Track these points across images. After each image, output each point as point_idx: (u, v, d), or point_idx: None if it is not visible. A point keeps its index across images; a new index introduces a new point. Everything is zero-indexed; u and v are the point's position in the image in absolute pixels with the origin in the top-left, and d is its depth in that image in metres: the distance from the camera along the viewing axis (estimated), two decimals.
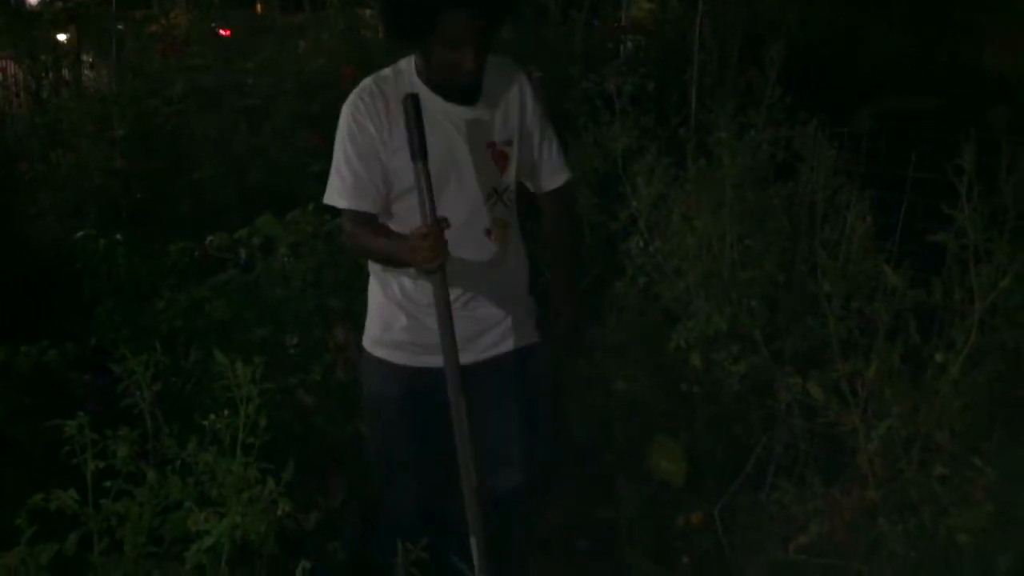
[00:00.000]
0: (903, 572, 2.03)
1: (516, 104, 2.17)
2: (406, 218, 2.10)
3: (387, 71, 2.14)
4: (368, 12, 6.43)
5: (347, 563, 2.38)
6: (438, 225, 1.95)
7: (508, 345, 2.25)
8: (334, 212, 3.22)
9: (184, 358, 2.54)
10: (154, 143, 4.31)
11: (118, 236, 2.97)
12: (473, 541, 2.03)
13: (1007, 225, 2.16)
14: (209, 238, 3.00)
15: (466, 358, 2.10)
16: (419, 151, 1.97)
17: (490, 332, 2.24)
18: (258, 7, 6.62)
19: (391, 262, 2.14)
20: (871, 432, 2.19)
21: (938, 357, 2.11)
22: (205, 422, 1.88)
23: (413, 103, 1.98)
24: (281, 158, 4.18)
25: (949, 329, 2.21)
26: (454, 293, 2.09)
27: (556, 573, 2.58)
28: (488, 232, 2.16)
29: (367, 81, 2.13)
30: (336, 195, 2.13)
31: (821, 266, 2.37)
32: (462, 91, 2.09)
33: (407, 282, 2.19)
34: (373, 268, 2.28)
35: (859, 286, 2.37)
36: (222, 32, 5.37)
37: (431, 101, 2.07)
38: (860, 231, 2.40)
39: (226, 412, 1.85)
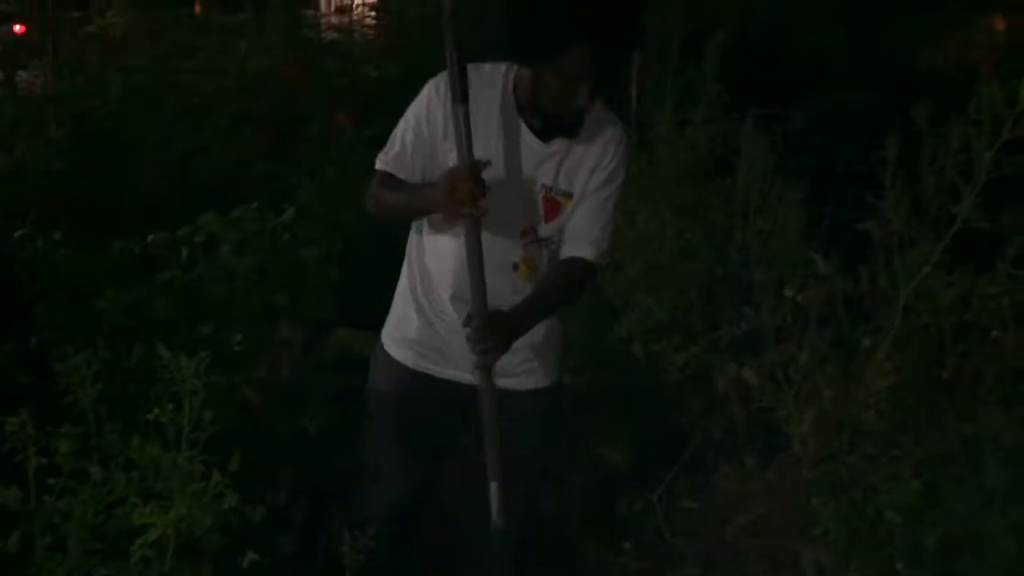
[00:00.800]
0: (836, 550, 2.10)
1: (593, 161, 1.99)
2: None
3: (488, 66, 1.99)
4: (310, 12, 6.43)
5: (294, 557, 2.38)
6: (476, 166, 1.84)
7: (520, 383, 2.09)
8: (279, 210, 3.27)
9: (127, 355, 2.52)
10: (92, 143, 4.27)
11: (57, 236, 2.95)
12: (492, 487, 1.99)
13: (929, 214, 2.25)
14: (151, 236, 2.98)
15: (461, 376, 2.04)
16: (460, 95, 1.85)
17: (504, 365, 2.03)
18: (197, 7, 6.56)
19: (420, 210, 2.01)
20: (803, 415, 2.27)
21: (866, 342, 2.19)
22: (149, 416, 1.88)
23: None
24: (224, 157, 4.16)
25: (876, 315, 2.29)
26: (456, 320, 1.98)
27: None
28: (516, 267, 2.02)
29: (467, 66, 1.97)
30: (380, 159, 2.04)
31: (755, 257, 2.45)
32: (555, 124, 1.94)
33: (428, 282, 2.09)
34: (408, 256, 2.15)
35: (791, 275, 2.44)
36: (15, 28, 5.13)
37: (511, 117, 1.95)
38: (791, 222, 2.47)
39: (170, 407, 1.85)
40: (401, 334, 2.14)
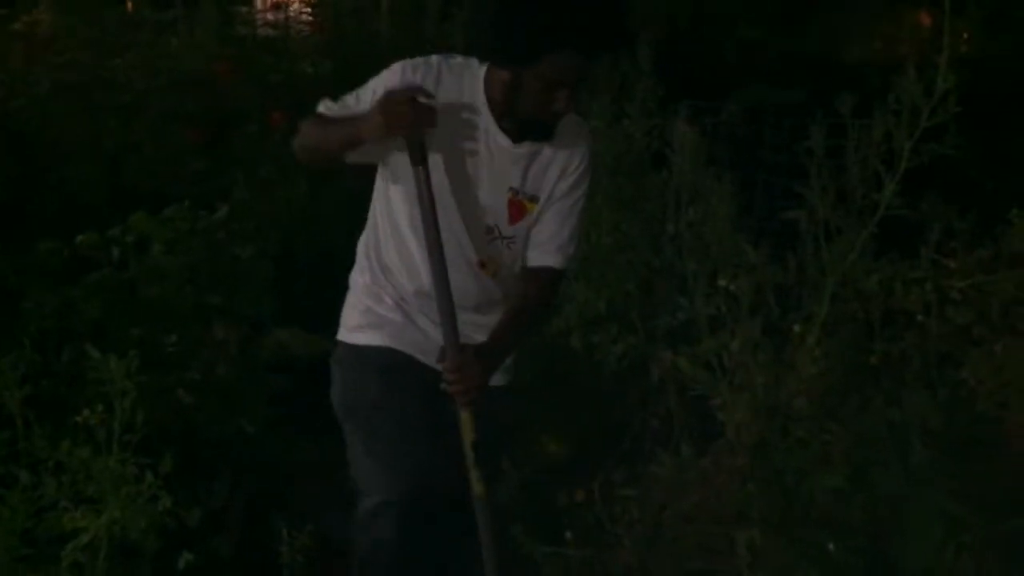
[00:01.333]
0: (769, 533, 2.14)
1: (561, 165, 1.95)
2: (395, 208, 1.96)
3: (460, 59, 1.95)
4: (244, 9, 6.34)
5: (232, 558, 2.36)
6: (419, 91, 1.80)
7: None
8: (212, 208, 3.23)
9: (56, 358, 2.47)
10: (19, 142, 4.16)
11: None
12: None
13: (855, 203, 2.31)
14: (80, 237, 2.92)
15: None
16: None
17: None
18: (128, 4, 6.43)
19: (350, 141, 1.90)
20: (737, 403, 2.31)
21: (796, 328, 2.24)
22: (79, 419, 1.85)
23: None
24: (156, 156, 4.09)
25: (805, 302, 2.34)
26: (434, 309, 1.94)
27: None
28: (482, 264, 1.99)
29: (435, 56, 1.94)
30: (324, 104, 1.98)
31: (688, 248, 2.48)
32: (528, 127, 1.89)
33: (391, 276, 2.02)
34: (360, 254, 2.09)
35: (723, 265, 2.48)
36: None
37: (482, 114, 1.91)
38: (722, 213, 2.52)
39: (100, 408, 1.83)
40: (373, 319, 2.05)
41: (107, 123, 4.27)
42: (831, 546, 2.05)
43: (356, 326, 2.08)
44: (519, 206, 1.95)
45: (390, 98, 1.82)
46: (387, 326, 2.04)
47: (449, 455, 1.97)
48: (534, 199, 1.95)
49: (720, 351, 2.37)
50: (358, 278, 2.10)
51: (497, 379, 2.02)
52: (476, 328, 2.00)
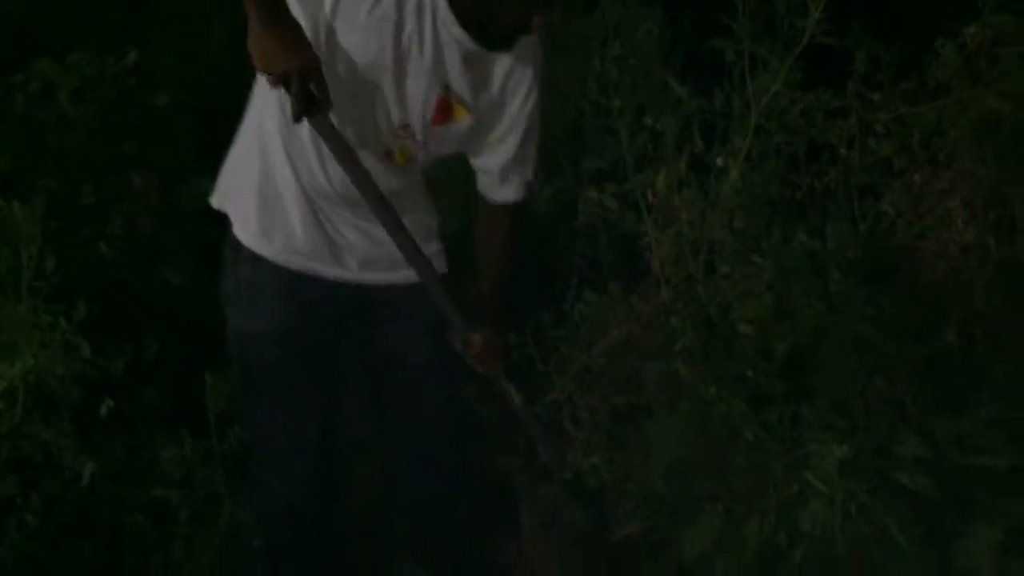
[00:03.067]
0: (692, 362, 2.20)
1: (510, 85, 1.74)
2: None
3: None
4: None
5: (160, 407, 2.36)
6: (315, 73, 1.57)
7: (406, 276, 1.87)
8: (120, 55, 3.07)
9: None
10: None
11: None
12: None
13: (780, 33, 2.27)
14: None
15: (362, 277, 1.86)
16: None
17: (389, 257, 1.85)
18: None
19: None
20: (662, 239, 2.32)
21: (719, 161, 2.23)
22: None
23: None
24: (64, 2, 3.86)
25: (730, 136, 2.33)
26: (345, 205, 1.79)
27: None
28: (390, 154, 1.78)
29: None
30: None
31: (614, 84, 2.44)
32: (487, 33, 1.65)
33: (313, 172, 1.78)
34: (262, 145, 1.82)
35: (649, 102, 2.45)
36: None
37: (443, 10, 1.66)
38: (648, 48, 2.46)
39: (7, 253, 1.77)
40: (266, 223, 1.83)
41: None
42: (751, 374, 2.10)
43: (255, 226, 1.83)
44: (447, 107, 1.73)
45: (275, 42, 1.54)
46: (289, 231, 1.82)
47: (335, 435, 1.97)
48: (465, 105, 1.73)
49: (646, 188, 2.36)
50: (255, 160, 1.82)
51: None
52: (367, 222, 1.82)
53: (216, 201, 1.92)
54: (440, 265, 1.94)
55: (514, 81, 1.74)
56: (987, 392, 2.10)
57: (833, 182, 2.39)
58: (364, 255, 1.85)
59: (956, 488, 1.87)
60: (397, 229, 1.72)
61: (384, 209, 1.70)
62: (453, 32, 1.66)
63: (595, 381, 2.41)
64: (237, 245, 1.86)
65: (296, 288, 1.85)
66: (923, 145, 2.32)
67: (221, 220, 1.98)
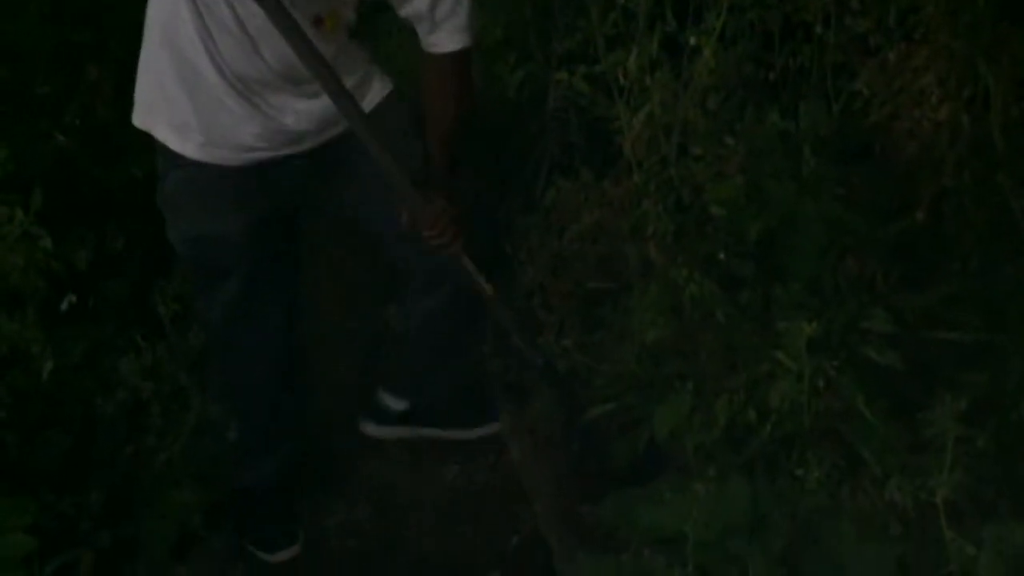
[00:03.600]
0: (664, 245, 2.19)
1: None
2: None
3: None
4: None
5: (126, 301, 2.33)
6: None
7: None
8: None
9: None
10: None
11: None
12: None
13: None
14: None
15: (314, 141, 1.81)
16: None
17: (327, 120, 1.82)
18: None
19: None
20: (634, 121, 2.28)
21: (692, 40, 2.18)
22: None
23: None
24: None
25: (703, 14, 2.27)
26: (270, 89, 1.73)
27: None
28: (319, 21, 1.71)
29: None
30: None
31: None
32: None
33: (244, 58, 1.70)
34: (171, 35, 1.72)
35: None
36: None
37: None
38: None
39: None
40: (201, 132, 1.76)
41: None
42: (723, 256, 2.10)
43: (195, 134, 1.76)
44: None
45: None
46: (229, 129, 1.75)
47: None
48: None
49: (617, 70, 2.30)
50: (173, 67, 1.73)
51: (377, 92, 1.89)
52: (305, 98, 1.77)
53: (139, 120, 1.85)
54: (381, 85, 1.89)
55: None
56: (954, 268, 2.12)
57: (807, 61, 2.34)
58: (310, 123, 1.80)
59: (922, 362, 1.90)
60: (339, 94, 1.67)
61: (327, 78, 1.65)
62: None
63: (567, 267, 2.40)
64: (175, 157, 1.80)
65: (247, 181, 1.81)
66: (898, 21, 2.26)
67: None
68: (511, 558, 2.21)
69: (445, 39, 1.78)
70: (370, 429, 2.39)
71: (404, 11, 1.77)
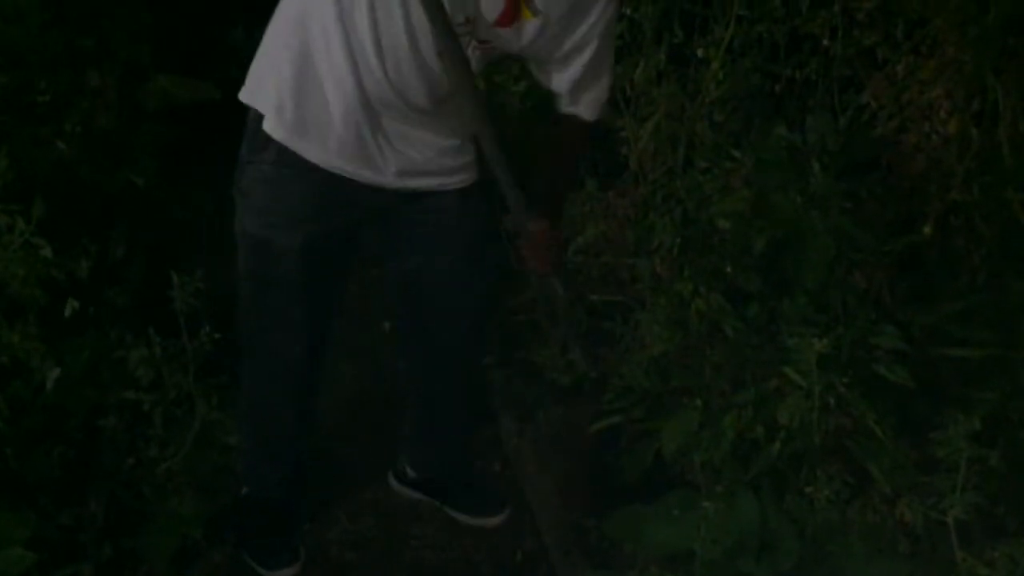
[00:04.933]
0: (670, 259, 2.18)
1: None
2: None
3: None
4: None
5: (128, 309, 2.31)
6: None
7: (443, 182, 1.83)
8: None
9: None
10: None
11: None
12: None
13: None
14: None
15: (398, 183, 1.77)
16: None
17: (426, 163, 1.80)
18: None
19: None
20: (641, 132, 2.27)
21: (699, 52, 2.17)
22: None
23: None
24: None
25: (711, 26, 2.26)
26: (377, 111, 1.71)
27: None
28: (440, 55, 1.64)
29: None
30: None
31: None
32: None
33: (369, 67, 1.65)
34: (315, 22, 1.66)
35: None
36: None
37: None
38: None
39: None
40: (299, 120, 1.71)
41: None
42: (729, 269, 2.09)
43: (290, 119, 1.71)
44: (515, 8, 1.61)
45: None
46: (327, 128, 1.71)
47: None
48: (536, 11, 1.61)
49: (624, 81, 2.29)
50: (295, 52, 1.69)
51: (467, 177, 1.85)
52: (420, 126, 1.75)
53: (245, 95, 1.79)
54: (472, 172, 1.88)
55: (594, 8, 1.64)
56: (962, 284, 2.11)
57: (814, 73, 2.33)
58: (403, 160, 1.76)
59: (931, 379, 1.89)
60: (476, 100, 1.66)
61: (465, 79, 1.60)
62: None
63: (572, 278, 2.39)
64: (264, 140, 1.74)
65: (324, 189, 1.75)
66: (906, 35, 2.26)
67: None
68: (514, 573, 2.18)
69: (584, 110, 1.79)
70: (393, 484, 2.37)
71: (550, 80, 1.76)
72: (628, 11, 2.37)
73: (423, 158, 1.77)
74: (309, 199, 1.77)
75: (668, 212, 2.22)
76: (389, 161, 1.75)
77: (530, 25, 1.62)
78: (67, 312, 1.77)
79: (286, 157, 1.72)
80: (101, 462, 1.98)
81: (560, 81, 1.74)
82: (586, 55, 1.69)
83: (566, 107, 1.78)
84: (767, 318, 2.02)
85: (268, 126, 1.72)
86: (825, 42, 2.32)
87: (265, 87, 1.73)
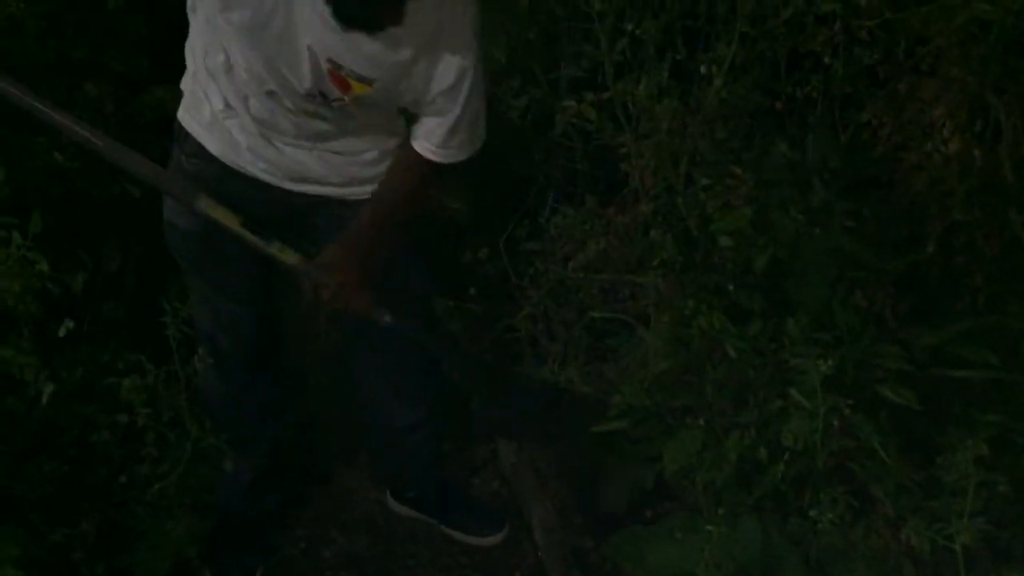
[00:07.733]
0: (671, 277, 2.16)
1: (412, 62, 1.61)
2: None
3: None
4: None
5: (123, 324, 2.29)
6: None
7: (348, 192, 1.84)
8: None
9: None
10: None
11: None
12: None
13: None
14: None
15: (289, 187, 1.81)
16: None
17: (313, 178, 1.83)
18: None
19: None
20: (642, 150, 2.25)
21: (702, 69, 2.16)
22: None
23: None
24: None
25: (714, 44, 2.25)
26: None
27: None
28: (306, 113, 1.73)
29: None
30: None
31: None
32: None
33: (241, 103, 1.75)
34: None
35: (629, 7, 2.35)
36: None
37: None
38: None
39: None
40: (210, 120, 1.81)
41: None
42: (730, 287, 2.07)
43: (206, 117, 1.81)
44: (343, 82, 1.62)
45: None
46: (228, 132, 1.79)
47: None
48: (365, 81, 1.61)
49: (626, 97, 2.28)
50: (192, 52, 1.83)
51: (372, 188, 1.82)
52: (332, 155, 1.80)
53: (183, 83, 1.93)
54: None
55: (434, 67, 1.62)
56: (965, 303, 2.09)
57: (815, 91, 2.32)
58: (302, 168, 1.81)
59: (935, 400, 1.87)
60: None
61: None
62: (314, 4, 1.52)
63: (571, 295, 2.37)
64: (181, 130, 1.87)
65: (228, 183, 1.82)
66: (908, 53, 2.25)
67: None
68: None
69: (450, 153, 1.74)
70: (391, 503, 2.35)
71: (426, 112, 1.71)
72: (630, 27, 2.35)
73: (325, 169, 1.81)
74: (213, 188, 1.81)
75: (669, 229, 2.21)
76: (283, 168, 1.81)
77: (367, 93, 1.63)
78: (61, 332, 1.74)
79: (199, 149, 1.82)
80: (94, 479, 1.94)
81: (423, 117, 1.72)
82: (444, 108, 1.66)
83: (418, 141, 1.74)
84: (769, 337, 2.00)
85: (182, 117, 1.86)
86: (827, 60, 2.30)
87: (186, 81, 1.88)
